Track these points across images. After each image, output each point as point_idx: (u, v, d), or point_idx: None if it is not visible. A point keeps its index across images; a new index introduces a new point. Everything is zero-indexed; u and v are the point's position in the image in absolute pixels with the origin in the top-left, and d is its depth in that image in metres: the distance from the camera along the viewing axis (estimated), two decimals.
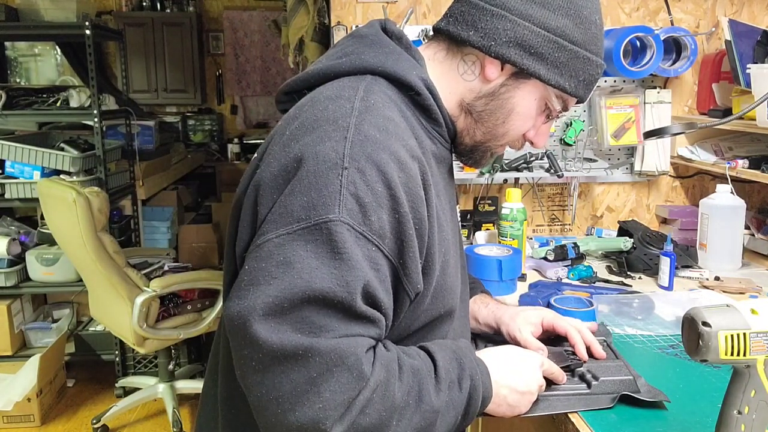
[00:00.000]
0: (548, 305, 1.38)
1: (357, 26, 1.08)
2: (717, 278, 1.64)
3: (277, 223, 0.72)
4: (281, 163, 0.76)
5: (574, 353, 1.07)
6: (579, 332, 1.08)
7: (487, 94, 0.88)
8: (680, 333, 0.79)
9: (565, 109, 0.93)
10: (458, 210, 1.07)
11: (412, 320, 0.85)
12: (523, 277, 1.64)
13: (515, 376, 0.90)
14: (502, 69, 0.87)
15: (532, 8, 0.84)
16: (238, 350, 0.72)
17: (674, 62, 1.99)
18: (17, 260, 3.06)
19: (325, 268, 0.69)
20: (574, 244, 1.75)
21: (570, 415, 0.99)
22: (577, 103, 0.94)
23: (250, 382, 0.71)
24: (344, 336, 0.70)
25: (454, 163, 1.02)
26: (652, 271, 1.67)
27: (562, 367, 1.00)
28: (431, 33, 0.94)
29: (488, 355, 0.92)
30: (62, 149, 3.05)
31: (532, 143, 0.95)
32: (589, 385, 1.01)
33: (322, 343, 0.68)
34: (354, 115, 0.76)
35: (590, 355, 1.07)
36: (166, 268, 3.04)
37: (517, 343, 1.05)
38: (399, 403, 0.74)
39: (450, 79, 0.90)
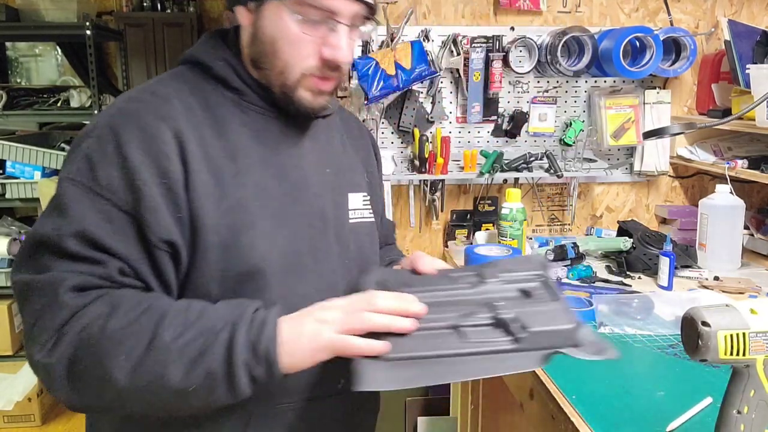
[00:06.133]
0: None
1: None
2: (716, 278, 1.64)
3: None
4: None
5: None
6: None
7: (251, 38, 0.92)
8: (680, 333, 0.79)
9: (330, 11, 0.86)
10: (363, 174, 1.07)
11: (207, 278, 0.85)
12: None
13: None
14: (249, 11, 0.91)
15: None
16: None
17: (674, 62, 1.99)
18: None
19: (50, 218, 0.81)
20: (574, 244, 1.76)
21: (570, 415, 0.97)
22: None
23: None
24: (58, 272, 0.79)
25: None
26: (652, 271, 1.67)
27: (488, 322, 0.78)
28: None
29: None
30: (63, 149, 3.04)
31: (336, 61, 0.88)
32: (515, 339, 0.76)
33: (38, 278, 0.79)
34: (124, 96, 0.89)
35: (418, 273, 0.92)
36: None
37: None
38: (114, 337, 0.75)
39: (241, 45, 0.95)
